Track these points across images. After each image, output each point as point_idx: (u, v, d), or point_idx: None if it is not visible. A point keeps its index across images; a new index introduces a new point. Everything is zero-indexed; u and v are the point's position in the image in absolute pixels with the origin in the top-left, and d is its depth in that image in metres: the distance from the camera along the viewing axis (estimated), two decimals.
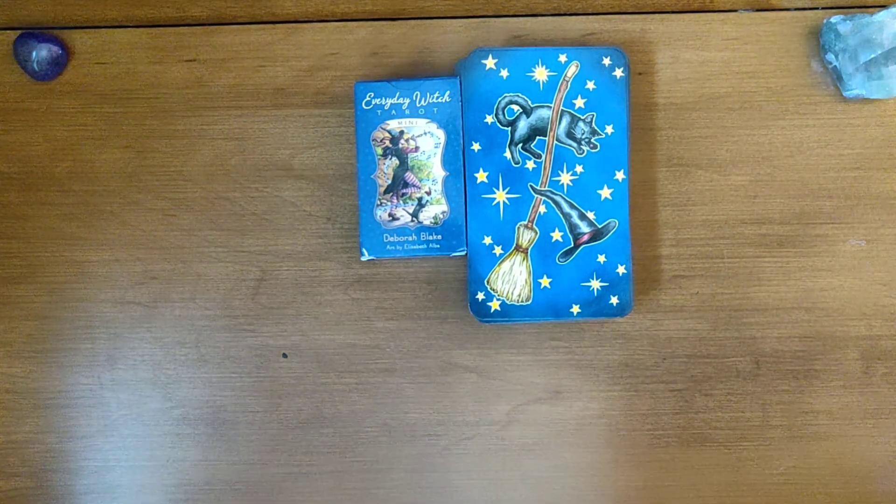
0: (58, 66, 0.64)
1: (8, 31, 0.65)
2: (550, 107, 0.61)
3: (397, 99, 0.60)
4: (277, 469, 0.64)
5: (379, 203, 0.60)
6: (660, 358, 0.64)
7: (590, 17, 0.65)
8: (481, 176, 0.61)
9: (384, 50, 0.65)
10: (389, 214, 0.60)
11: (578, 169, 0.61)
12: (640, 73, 0.64)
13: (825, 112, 0.64)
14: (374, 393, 0.64)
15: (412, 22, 0.65)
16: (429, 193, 0.61)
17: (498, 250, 0.61)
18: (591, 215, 0.61)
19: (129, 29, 0.65)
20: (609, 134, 0.61)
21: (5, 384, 0.64)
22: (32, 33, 0.63)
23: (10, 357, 0.64)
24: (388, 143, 0.60)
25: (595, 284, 0.61)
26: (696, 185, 0.64)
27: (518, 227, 0.61)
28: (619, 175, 0.61)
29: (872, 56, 0.61)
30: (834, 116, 0.64)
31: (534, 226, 0.61)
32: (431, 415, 0.64)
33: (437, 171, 0.61)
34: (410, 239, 0.60)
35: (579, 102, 0.61)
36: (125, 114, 0.65)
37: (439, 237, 0.61)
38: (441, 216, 0.61)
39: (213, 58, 0.65)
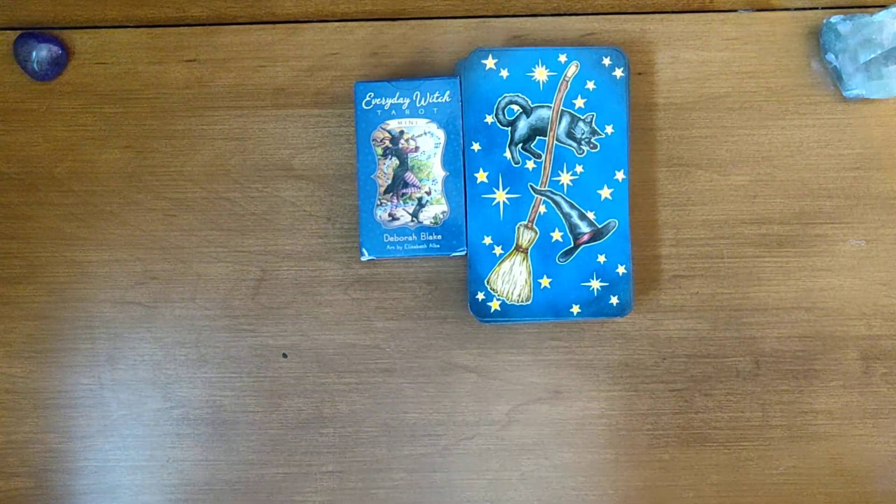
0: (58, 66, 0.64)
1: (8, 31, 0.65)
2: (550, 107, 0.61)
3: (397, 99, 0.60)
4: (277, 469, 0.64)
5: (379, 203, 0.60)
6: (660, 358, 0.64)
7: (590, 17, 0.65)
8: (481, 176, 0.61)
9: (384, 50, 0.65)
10: (389, 214, 0.60)
11: (578, 169, 0.61)
12: (640, 73, 0.64)
13: (825, 112, 0.64)
14: (374, 393, 0.64)
15: (412, 22, 0.65)
16: (429, 193, 0.61)
17: (498, 250, 0.61)
18: (591, 215, 0.61)
19: (129, 29, 0.65)
20: (609, 134, 0.61)
21: (5, 384, 0.64)
22: (32, 33, 0.63)
23: (10, 357, 0.64)
24: (388, 143, 0.60)
25: (595, 284, 0.61)
26: (696, 185, 0.64)
27: (518, 227, 0.61)
28: (619, 175, 0.61)
29: (872, 56, 0.61)
30: (834, 116, 0.64)
31: (534, 226, 0.61)
32: (431, 415, 0.64)
33: (437, 171, 0.61)
34: (410, 239, 0.60)
35: (579, 102, 0.61)
36: (125, 114, 0.65)
37: (439, 237, 0.61)
38: (441, 216, 0.61)
39: (214, 58, 0.65)
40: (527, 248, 0.61)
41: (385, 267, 0.64)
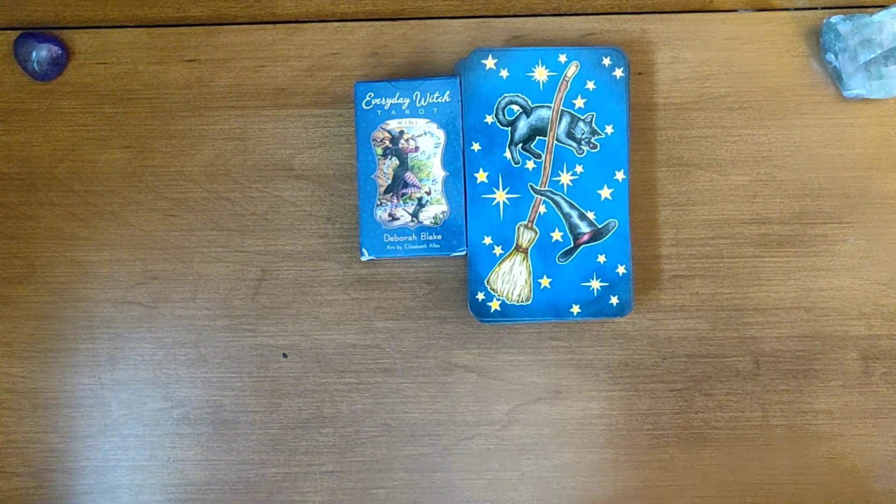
0: (58, 66, 0.64)
1: (8, 31, 0.65)
2: (550, 107, 0.61)
3: (397, 99, 0.60)
4: (277, 469, 0.64)
5: (379, 203, 0.61)
6: (660, 358, 0.64)
7: (590, 17, 0.65)
8: (481, 176, 0.61)
9: (384, 50, 0.65)
10: (389, 214, 0.61)
11: (578, 169, 0.61)
12: (640, 73, 0.64)
13: (825, 112, 0.64)
14: (374, 393, 0.64)
15: (412, 22, 0.65)
16: (429, 193, 0.61)
17: (498, 250, 0.61)
18: (591, 215, 0.61)
19: (129, 29, 0.65)
20: (609, 134, 0.61)
21: (6, 384, 0.65)
22: (32, 33, 0.63)
23: (10, 357, 0.65)
24: (388, 143, 0.60)
25: (595, 284, 0.61)
26: (696, 185, 0.64)
27: (518, 227, 0.61)
28: (619, 175, 0.61)
29: (872, 56, 0.61)
30: (834, 116, 0.64)
31: (534, 226, 0.61)
32: (431, 415, 0.64)
33: (437, 171, 0.61)
34: (410, 239, 0.61)
35: (579, 102, 0.61)
36: (126, 114, 0.65)
37: (439, 237, 0.61)
38: (441, 216, 0.61)
39: (214, 58, 0.65)
40: (527, 248, 0.61)
41: (385, 267, 0.64)
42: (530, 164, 0.61)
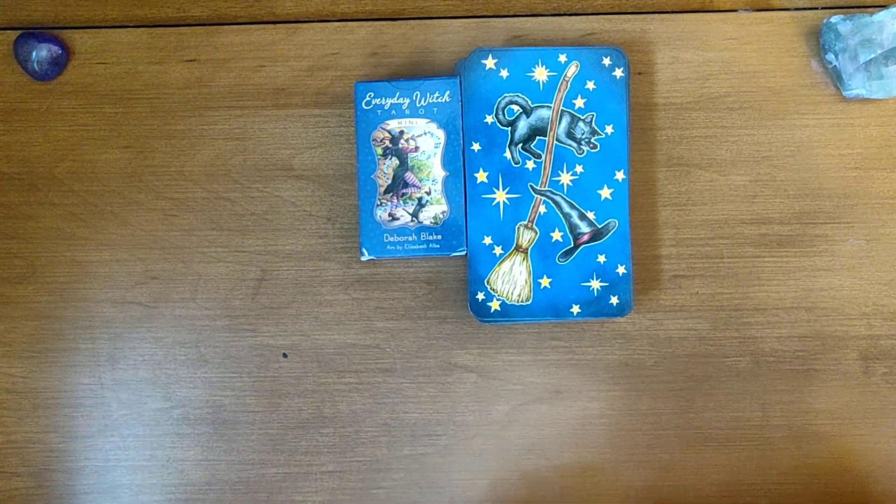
0: (58, 66, 0.64)
1: (8, 31, 0.65)
2: (550, 107, 0.61)
3: (397, 99, 0.60)
4: (277, 469, 0.64)
5: (379, 203, 0.61)
6: (660, 358, 0.64)
7: (590, 17, 0.65)
8: (481, 176, 0.61)
9: (384, 50, 0.65)
10: (389, 214, 0.61)
11: (578, 169, 0.61)
12: (640, 73, 0.64)
13: (825, 112, 0.64)
14: (374, 393, 0.64)
15: (412, 22, 0.65)
16: (429, 193, 0.61)
17: (498, 250, 0.61)
18: (591, 215, 0.61)
19: (129, 29, 0.65)
20: (609, 134, 0.61)
21: (6, 384, 0.65)
22: (32, 33, 0.63)
23: (10, 357, 0.65)
24: (388, 143, 0.60)
25: (595, 284, 0.61)
26: (696, 185, 0.64)
27: (518, 227, 0.61)
28: (619, 175, 0.61)
29: (872, 56, 0.61)
30: (834, 116, 0.64)
31: (534, 226, 0.61)
32: (431, 415, 0.64)
33: (437, 171, 0.61)
34: (410, 239, 0.61)
35: (579, 102, 0.61)
36: (126, 114, 0.65)
37: (439, 237, 0.61)
38: (441, 216, 0.61)
39: (214, 58, 0.65)
40: (527, 248, 0.61)
41: (385, 267, 0.64)
42: (530, 164, 0.61)
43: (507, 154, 0.61)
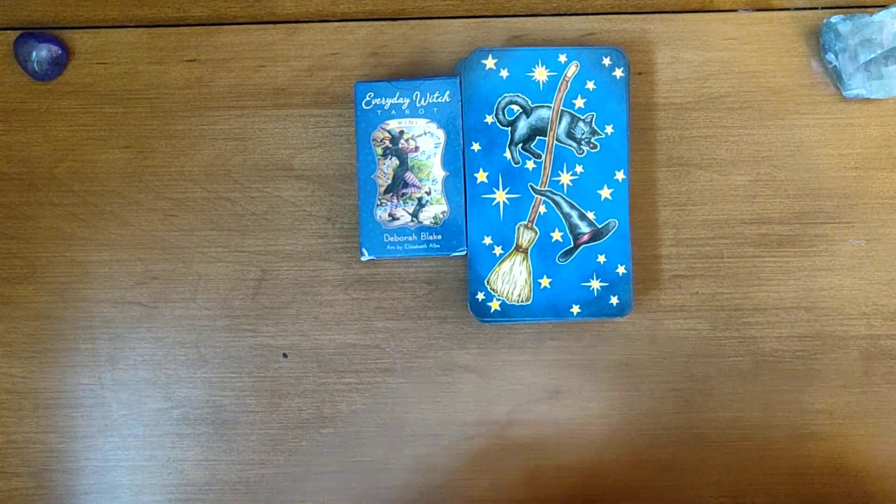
0: (58, 66, 0.64)
1: (8, 31, 0.65)
2: (550, 107, 0.61)
3: (397, 99, 0.60)
4: (277, 469, 0.64)
5: (379, 203, 0.61)
6: (660, 358, 0.64)
7: (590, 17, 0.65)
8: (481, 176, 0.61)
9: (384, 50, 0.65)
10: (389, 214, 0.61)
11: (578, 169, 0.61)
12: (640, 73, 0.64)
13: (825, 112, 0.64)
14: (374, 393, 0.64)
15: (412, 22, 0.65)
16: (429, 193, 0.61)
17: (498, 250, 0.61)
18: (591, 215, 0.61)
19: (129, 29, 0.65)
20: (609, 134, 0.61)
21: (6, 384, 0.65)
22: (32, 33, 0.63)
23: (10, 357, 0.65)
24: (388, 143, 0.60)
25: (595, 284, 0.61)
26: (696, 185, 0.64)
27: (518, 227, 0.61)
28: (619, 175, 0.61)
29: (872, 56, 0.61)
30: (834, 116, 0.64)
31: (534, 226, 0.61)
32: (431, 415, 0.64)
33: (437, 171, 0.61)
34: (410, 239, 0.61)
35: (579, 102, 0.61)
36: (126, 114, 0.65)
37: (439, 237, 0.61)
38: (441, 216, 0.61)
39: (214, 58, 0.65)
40: (527, 248, 0.61)
41: (385, 267, 0.64)
42: (530, 164, 0.61)
43: (507, 154, 0.61)
